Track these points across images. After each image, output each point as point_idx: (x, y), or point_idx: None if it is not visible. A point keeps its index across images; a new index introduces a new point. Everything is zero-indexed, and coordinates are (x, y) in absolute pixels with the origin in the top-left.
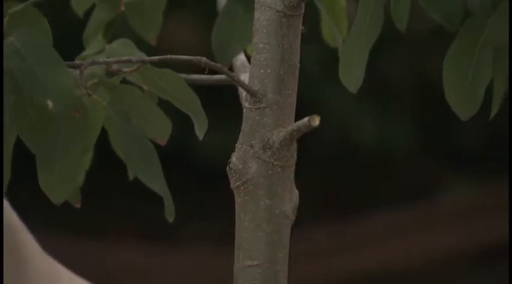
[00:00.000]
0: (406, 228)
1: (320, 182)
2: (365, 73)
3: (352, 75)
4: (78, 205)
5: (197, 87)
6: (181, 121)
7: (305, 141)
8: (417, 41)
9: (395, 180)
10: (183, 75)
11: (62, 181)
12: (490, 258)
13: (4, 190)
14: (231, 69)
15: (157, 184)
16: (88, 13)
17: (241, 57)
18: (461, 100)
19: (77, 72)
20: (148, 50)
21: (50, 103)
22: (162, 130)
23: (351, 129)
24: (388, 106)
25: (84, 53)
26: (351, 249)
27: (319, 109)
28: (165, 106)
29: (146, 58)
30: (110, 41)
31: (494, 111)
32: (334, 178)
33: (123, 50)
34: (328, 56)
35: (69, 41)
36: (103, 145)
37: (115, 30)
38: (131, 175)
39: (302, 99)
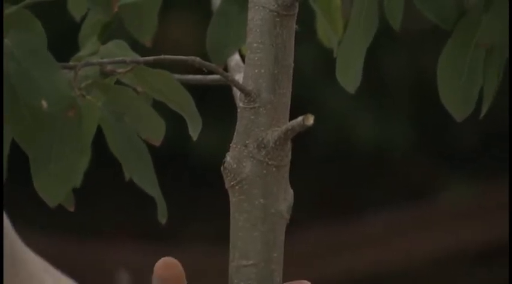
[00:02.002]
0: (404, 228)
1: (317, 182)
2: (364, 74)
3: (349, 75)
4: (72, 209)
5: (192, 87)
6: (176, 121)
7: (302, 141)
8: (414, 39)
9: (392, 179)
10: (177, 76)
11: (57, 183)
12: (489, 258)
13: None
14: (225, 69)
15: (150, 185)
16: (85, 14)
17: (236, 57)
18: (456, 100)
19: (72, 73)
20: (144, 50)
21: (44, 104)
22: (156, 131)
23: (347, 129)
24: (386, 105)
25: (79, 54)
26: (348, 249)
27: (316, 108)
28: (161, 106)
29: (140, 59)
30: (104, 43)
31: (484, 110)
32: (330, 178)
33: (117, 51)
34: (324, 55)
35: (67, 42)
36: (97, 145)
37: (110, 31)
38: (127, 176)
39: (299, 99)
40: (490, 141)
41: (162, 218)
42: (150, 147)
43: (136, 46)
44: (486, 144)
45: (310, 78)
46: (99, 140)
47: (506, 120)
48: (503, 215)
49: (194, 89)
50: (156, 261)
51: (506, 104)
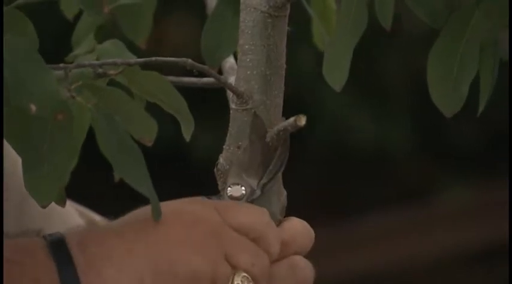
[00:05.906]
0: (404, 228)
1: (315, 182)
2: (362, 74)
3: (336, 73)
4: (63, 206)
5: (190, 90)
6: (172, 123)
7: (301, 141)
8: (413, 40)
9: (392, 180)
10: (171, 78)
11: (48, 184)
12: (489, 258)
13: None
14: (220, 71)
15: (144, 186)
16: (79, 15)
17: (230, 60)
18: (445, 96)
19: (63, 73)
20: (142, 52)
21: (33, 108)
22: (148, 131)
23: (347, 129)
24: (385, 106)
25: (74, 53)
26: (346, 250)
27: (315, 109)
28: (156, 107)
29: (131, 60)
30: (100, 42)
31: (481, 108)
32: (330, 178)
33: (114, 51)
34: (323, 56)
35: (64, 40)
36: (90, 145)
37: (106, 32)
38: (117, 177)
39: (298, 99)
40: (490, 142)
41: (157, 216)
42: (146, 148)
43: (133, 47)
44: (486, 145)
45: (309, 78)
46: (91, 140)
47: (506, 121)
48: (503, 216)
49: (191, 91)
50: None
51: (506, 104)
